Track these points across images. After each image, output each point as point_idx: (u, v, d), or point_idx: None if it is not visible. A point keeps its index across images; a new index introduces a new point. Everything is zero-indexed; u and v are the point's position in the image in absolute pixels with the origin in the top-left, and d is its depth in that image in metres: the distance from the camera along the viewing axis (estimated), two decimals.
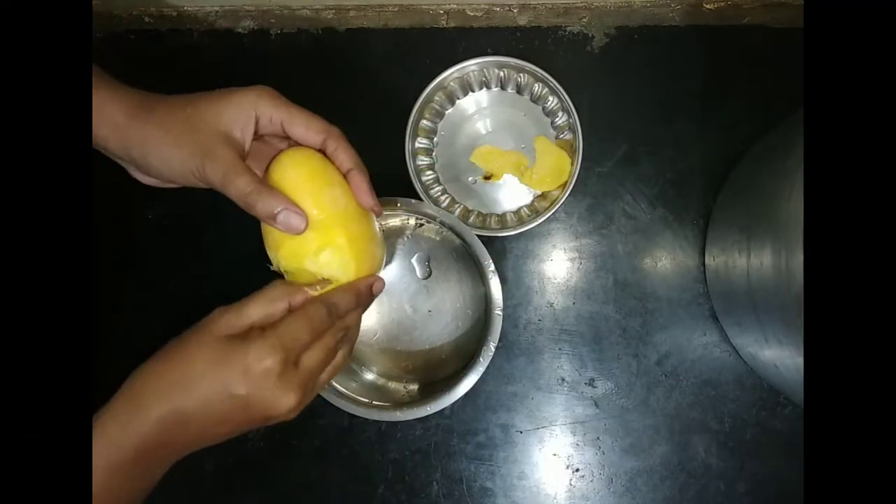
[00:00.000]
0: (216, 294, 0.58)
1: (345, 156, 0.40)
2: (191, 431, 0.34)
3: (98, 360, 0.34)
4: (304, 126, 0.39)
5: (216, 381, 0.33)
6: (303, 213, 0.37)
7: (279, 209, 0.37)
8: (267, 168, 0.40)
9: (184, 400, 0.33)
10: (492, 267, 0.51)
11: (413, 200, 0.52)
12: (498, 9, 0.60)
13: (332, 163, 0.40)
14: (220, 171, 0.36)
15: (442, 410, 0.51)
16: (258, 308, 0.36)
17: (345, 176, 0.40)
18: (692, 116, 0.59)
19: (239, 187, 0.36)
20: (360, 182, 0.40)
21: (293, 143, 0.41)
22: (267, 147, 0.41)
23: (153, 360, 0.35)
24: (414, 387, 0.56)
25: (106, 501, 0.32)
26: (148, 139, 0.36)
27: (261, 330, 0.35)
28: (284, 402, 0.34)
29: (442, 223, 0.52)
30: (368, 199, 0.40)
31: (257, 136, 0.39)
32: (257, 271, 0.58)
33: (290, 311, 0.37)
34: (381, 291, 0.42)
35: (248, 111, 0.38)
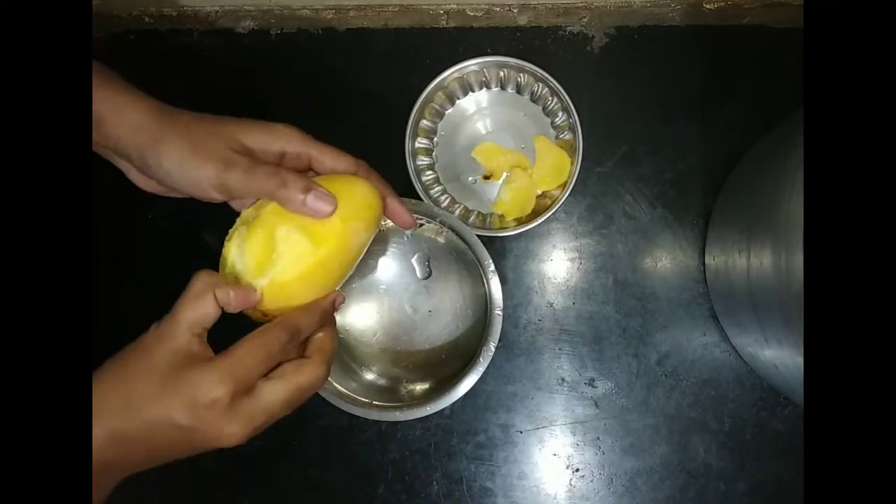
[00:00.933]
0: None
1: (377, 183, 0.40)
2: (137, 453, 0.33)
3: (97, 359, 0.34)
4: (333, 162, 0.39)
5: (160, 409, 0.31)
6: (332, 197, 0.36)
7: (310, 189, 0.36)
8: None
9: (126, 423, 0.31)
10: (492, 267, 0.51)
11: (413, 200, 0.52)
12: (498, 9, 0.60)
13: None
14: (241, 170, 0.35)
15: (442, 410, 0.51)
16: (188, 311, 0.34)
17: (382, 199, 0.40)
18: (692, 116, 0.59)
19: (265, 174, 0.35)
20: (397, 206, 0.41)
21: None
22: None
23: (98, 378, 0.33)
24: (414, 387, 0.56)
25: None
26: (166, 140, 0.35)
27: (208, 355, 0.33)
28: (229, 433, 0.32)
29: (442, 223, 0.52)
30: (408, 219, 0.41)
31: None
32: None
33: (223, 307, 0.35)
34: (342, 304, 0.40)
35: (277, 141, 0.37)
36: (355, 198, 0.38)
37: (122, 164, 0.40)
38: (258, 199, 0.39)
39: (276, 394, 0.33)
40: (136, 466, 0.33)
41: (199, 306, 0.33)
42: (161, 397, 0.31)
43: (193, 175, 0.36)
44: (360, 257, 0.40)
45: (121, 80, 0.38)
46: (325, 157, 0.38)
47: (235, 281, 0.37)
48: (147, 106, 0.37)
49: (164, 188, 0.39)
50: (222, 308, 0.35)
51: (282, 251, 0.36)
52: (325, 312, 0.38)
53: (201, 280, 0.34)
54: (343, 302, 0.40)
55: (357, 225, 0.38)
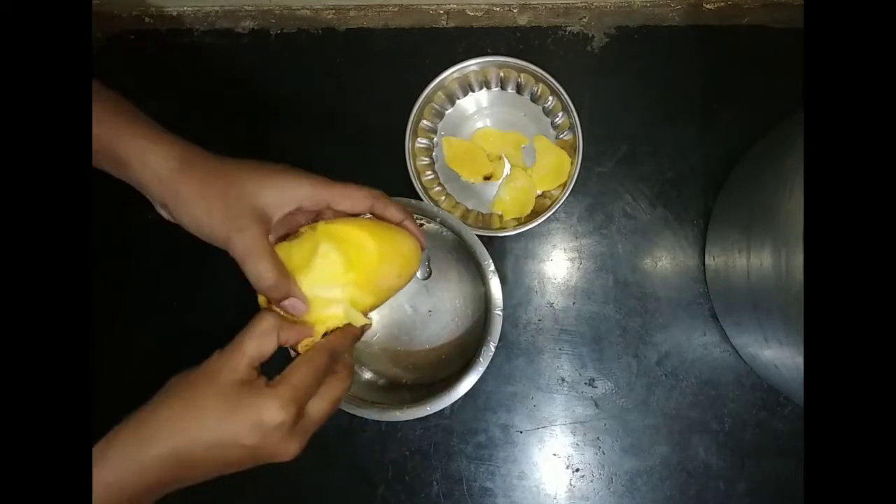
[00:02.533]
0: (216, 294, 0.59)
1: (394, 211, 0.42)
2: (192, 472, 0.35)
3: (98, 359, 0.34)
4: (350, 200, 0.40)
5: (226, 431, 0.34)
6: (305, 303, 0.39)
7: (288, 299, 0.39)
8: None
9: (191, 445, 0.34)
10: (492, 267, 0.51)
11: (413, 200, 0.52)
12: (498, 9, 0.60)
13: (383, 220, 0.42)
14: (242, 249, 0.37)
15: (442, 410, 0.51)
16: (252, 345, 0.37)
17: (399, 224, 0.43)
18: (692, 116, 0.59)
19: (257, 271, 0.38)
20: (413, 228, 0.43)
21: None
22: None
23: (160, 401, 0.36)
24: (414, 387, 0.56)
25: None
26: (183, 198, 0.37)
27: (266, 383, 0.36)
28: (291, 450, 0.36)
29: (442, 223, 0.52)
30: (423, 240, 0.43)
31: (295, 213, 0.40)
32: None
33: (281, 345, 0.38)
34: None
35: (290, 198, 0.39)
36: (396, 244, 0.41)
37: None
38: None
39: (321, 410, 0.38)
40: (189, 481, 0.36)
41: (263, 343, 0.37)
42: (227, 420, 0.34)
43: (207, 235, 0.38)
44: (388, 298, 0.43)
45: (145, 120, 0.39)
46: (341, 201, 0.40)
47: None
48: (169, 154, 0.38)
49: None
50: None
51: (316, 264, 0.39)
52: (356, 336, 0.41)
53: (267, 321, 0.38)
54: (369, 329, 0.44)
55: (391, 269, 0.41)
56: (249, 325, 0.38)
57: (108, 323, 0.59)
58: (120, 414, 0.58)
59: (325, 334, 0.40)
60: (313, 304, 0.40)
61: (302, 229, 0.41)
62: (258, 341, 0.37)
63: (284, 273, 0.39)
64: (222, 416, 0.34)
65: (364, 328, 0.42)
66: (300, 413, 0.36)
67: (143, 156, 0.37)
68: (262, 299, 0.41)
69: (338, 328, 0.40)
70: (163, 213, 0.40)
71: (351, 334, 0.41)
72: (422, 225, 0.55)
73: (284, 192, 0.39)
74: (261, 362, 0.37)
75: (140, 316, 0.60)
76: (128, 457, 0.34)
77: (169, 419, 0.35)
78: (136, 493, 0.34)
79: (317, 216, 0.42)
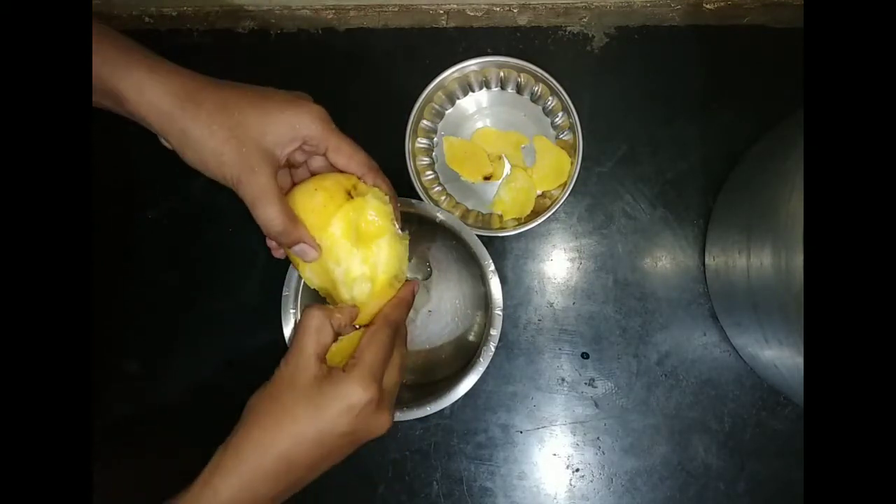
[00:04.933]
0: (216, 293, 0.59)
1: (385, 187, 0.42)
2: (300, 474, 0.37)
3: (98, 359, 0.34)
4: (348, 158, 0.40)
5: (323, 425, 0.36)
6: (317, 248, 0.40)
7: (298, 244, 0.40)
8: (295, 189, 0.41)
9: (295, 448, 0.36)
10: (492, 267, 0.51)
11: (413, 200, 0.52)
12: (498, 9, 0.60)
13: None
14: (253, 192, 0.37)
15: (442, 410, 0.51)
16: (311, 342, 0.38)
17: None
18: (692, 116, 0.59)
19: (267, 216, 0.38)
20: (396, 212, 0.43)
21: (327, 164, 0.42)
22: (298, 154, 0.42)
23: (251, 422, 0.36)
24: (414, 387, 0.56)
25: None
26: (190, 135, 0.36)
27: (342, 370, 0.37)
28: (383, 424, 0.38)
29: (442, 223, 0.52)
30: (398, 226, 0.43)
31: (296, 150, 0.40)
32: (256, 271, 0.59)
33: (339, 335, 0.39)
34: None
35: (297, 133, 0.38)
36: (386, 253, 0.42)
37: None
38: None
39: (393, 379, 0.40)
40: (299, 485, 0.37)
41: (321, 337, 0.38)
42: (322, 416, 0.36)
43: (213, 173, 0.37)
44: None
45: (139, 50, 0.37)
46: (341, 152, 0.40)
47: (334, 286, 0.42)
48: (169, 86, 0.36)
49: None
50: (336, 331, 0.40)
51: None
52: (410, 303, 0.43)
53: (316, 317, 0.38)
54: (418, 290, 0.45)
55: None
56: (301, 325, 0.38)
57: (107, 322, 0.59)
58: (120, 414, 0.58)
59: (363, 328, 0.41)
60: (340, 289, 0.41)
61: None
62: (315, 337, 0.38)
63: (294, 219, 0.38)
64: (314, 414, 0.36)
65: (413, 289, 0.43)
66: (380, 387, 0.37)
67: (140, 88, 0.35)
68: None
69: (388, 301, 0.42)
70: (165, 143, 0.38)
71: (404, 302, 0.42)
72: (422, 225, 0.55)
73: (289, 128, 0.38)
74: (325, 354, 0.38)
75: (140, 316, 0.60)
76: (240, 476, 0.35)
77: (265, 435, 0.35)
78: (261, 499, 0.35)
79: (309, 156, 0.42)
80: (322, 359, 0.38)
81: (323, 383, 0.36)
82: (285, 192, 0.41)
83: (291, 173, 0.43)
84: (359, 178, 0.42)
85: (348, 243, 0.40)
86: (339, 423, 0.36)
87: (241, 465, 0.35)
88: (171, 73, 0.37)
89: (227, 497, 0.34)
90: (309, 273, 0.43)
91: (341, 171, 0.42)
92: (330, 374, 0.37)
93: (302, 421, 0.36)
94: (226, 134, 0.36)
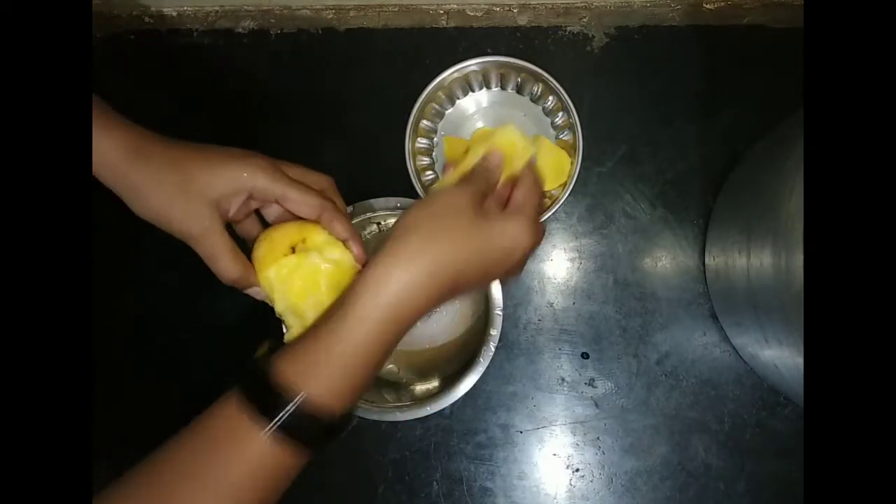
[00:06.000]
0: (215, 293, 0.59)
1: (340, 227, 0.42)
2: (464, 279, 0.37)
3: (98, 359, 0.34)
4: (299, 203, 0.41)
5: (486, 237, 0.37)
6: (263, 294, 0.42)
7: (251, 288, 0.41)
8: (256, 242, 0.42)
9: (460, 253, 0.36)
10: None
11: (407, 199, 0.52)
12: (498, 9, 0.60)
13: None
14: (206, 250, 0.39)
15: (442, 410, 0.51)
16: (482, 182, 0.39)
17: (343, 243, 0.42)
18: (692, 116, 0.59)
19: (220, 270, 0.40)
20: (356, 250, 0.42)
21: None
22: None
23: (409, 234, 0.36)
24: (414, 387, 0.56)
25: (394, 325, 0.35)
26: (139, 189, 0.37)
27: (498, 212, 0.39)
28: (537, 237, 0.39)
29: None
30: (361, 260, 0.43)
31: (246, 201, 0.41)
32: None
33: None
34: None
35: (242, 186, 0.39)
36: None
37: None
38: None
39: (524, 190, 0.40)
40: (461, 289, 0.38)
41: (490, 176, 0.41)
42: (484, 230, 0.37)
43: (165, 227, 0.39)
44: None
45: (98, 105, 0.38)
46: (289, 201, 0.41)
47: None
48: (121, 142, 0.37)
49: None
50: None
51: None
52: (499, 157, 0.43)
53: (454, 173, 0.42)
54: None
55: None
56: (474, 166, 0.41)
57: (107, 322, 0.59)
58: (120, 414, 0.58)
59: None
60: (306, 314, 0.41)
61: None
62: (484, 175, 0.40)
63: (246, 266, 0.40)
64: (478, 229, 0.37)
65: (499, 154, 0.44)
66: (535, 219, 0.39)
67: (94, 142, 0.36)
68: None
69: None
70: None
71: (494, 154, 0.42)
72: None
73: (238, 182, 0.39)
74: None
75: (140, 316, 0.60)
76: (401, 278, 0.35)
77: (426, 241, 0.36)
78: (411, 310, 0.36)
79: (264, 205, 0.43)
80: (476, 194, 0.38)
81: (482, 211, 0.38)
82: (254, 235, 0.43)
83: (263, 214, 0.44)
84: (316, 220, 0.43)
85: (283, 287, 0.41)
86: (499, 238, 0.37)
87: (403, 269, 0.35)
88: (121, 128, 0.38)
89: (394, 292, 0.35)
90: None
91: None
92: (486, 206, 0.38)
93: (464, 233, 0.36)
94: (174, 189, 0.37)
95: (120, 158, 0.37)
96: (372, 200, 0.53)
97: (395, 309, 0.35)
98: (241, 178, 0.39)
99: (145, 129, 0.39)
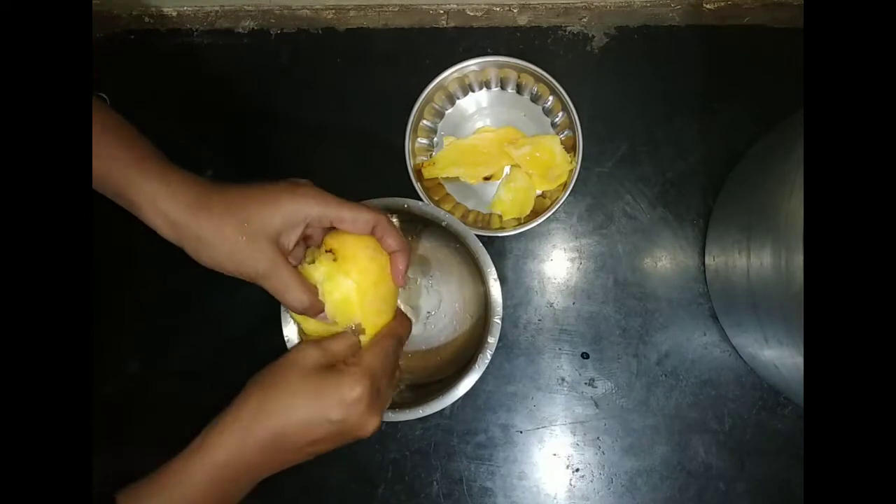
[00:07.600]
0: (215, 293, 0.59)
1: (391, 240, 0.43)
2: (288, 456, 0.39)
3: (97, 357, 0.34)
4: (353, 221, 0.42)
5: (316, 408, 0.38)
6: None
7: (319, 317, 0.43)
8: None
9: (286, 425, 0.37)
10: (494, 274, 0.50)
11: (414, 201, 0.52)
12: (498, 9, 0.60)
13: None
14: (276, 286, 0.40)
15: (442, 410, 0.51)
16: (341, 345, 0.41)
17: (390, 254, 0.44)
18: (692, 116, 0.59)
19: (292, 302, 0.41)
20: (401, 263, 0.44)
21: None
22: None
23: (251, 392, 0.38)
24: (413, 387, 0.56)
25: None
26: (203, 240, 0.39)
27: (344, 364, 0.40)
28: (371, 424, 0.40)
29: (448, 227, 0.52)
30: (400, 279, 0.45)
31: (305, 230, 0.42)
32: None
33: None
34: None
35: (297, 217, 0.40)
36: (379, 290, 0.44)
37: None
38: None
39: (388, 387, 0.42)
40: (283, 465, 0.39)
41: (349, 342, 0.42)
42: (317, 399, 0.38)
43: (231, 272, 0.40)
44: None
45: (153, 156, 0.39)
46: (343, 222, 0.42)
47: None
48: (180, 196, 0.38)
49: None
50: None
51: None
52: (410, 326, 0.47)
53: (349, 339, 0.43)
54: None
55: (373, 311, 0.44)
56: (339, 333, 0.42)
57: (107, 322, 0.59)
58: (120, 414, 0.58)
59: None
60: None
61: (312, 257, 0.43)
62: (345, 343, 0.41)
63: (315, 293, 0.42)
64: (310, 396, 0.38)
65: (411, 320, 0.47)
66: (375, 389, 0.39)
67: (154, 199, 0.38)
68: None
69: (391, 321, 0.45)
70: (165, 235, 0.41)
71: (408, 323, 0.46)
72: (422, 226, 0.55)
73: (294, 215, 0.40)
74: (329, 351, 0.41)
75: (140, 316, 0.60)
76: (234, 439, 0.37)
77: (263, 404, 0.38)
78: (238, 474, 0.37)
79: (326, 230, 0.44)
80: (327, 353, 0.40)
81: (324, 372, 0.39)
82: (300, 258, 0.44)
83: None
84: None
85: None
86: (331, 411, 0.38)
87: (238, 429, 0.37)
88: (182, 182, 0.39)
89: (222, 459, 0.36)
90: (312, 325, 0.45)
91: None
92: (333, 367, 0.40)
93: (299, 398, 0.38)
94: (235, 233, 0.39)
95: (182, 213, 0.38)
96: (375, 200, 0.53)
97: (231, 470, 0.37)
98: (296, 212, 0.40)
99: (197, 176, 0.40)
